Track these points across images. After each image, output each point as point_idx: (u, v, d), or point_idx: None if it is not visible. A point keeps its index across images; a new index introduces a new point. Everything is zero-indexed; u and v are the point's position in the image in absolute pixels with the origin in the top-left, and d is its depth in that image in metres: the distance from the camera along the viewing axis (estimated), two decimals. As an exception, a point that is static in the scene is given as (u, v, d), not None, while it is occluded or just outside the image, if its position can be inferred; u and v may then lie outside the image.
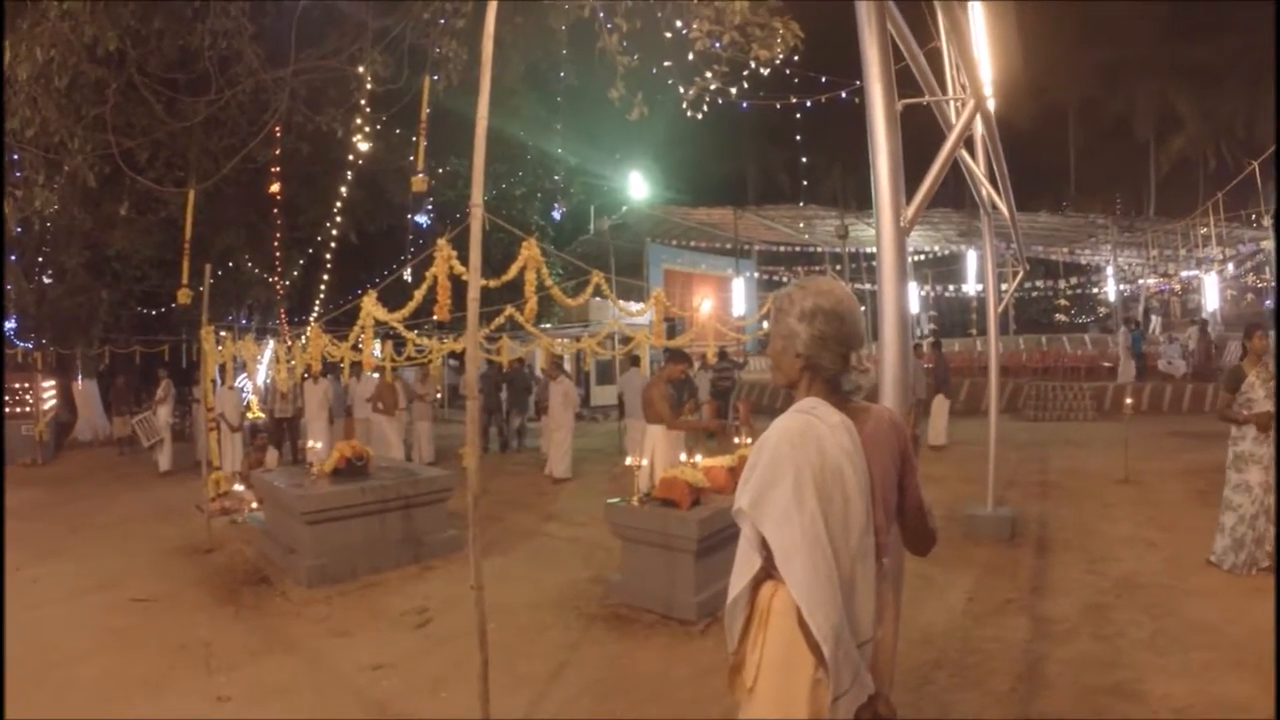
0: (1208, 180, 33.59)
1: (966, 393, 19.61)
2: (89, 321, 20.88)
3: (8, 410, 16.94)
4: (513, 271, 6.87)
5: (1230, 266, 28.22)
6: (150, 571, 7.61)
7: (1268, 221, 21.95)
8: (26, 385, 17.52)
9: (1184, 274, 31.06)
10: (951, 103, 5.19)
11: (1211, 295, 28.68)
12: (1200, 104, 34.16)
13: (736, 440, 7.74)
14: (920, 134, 3.16)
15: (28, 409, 17.27)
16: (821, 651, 1.93)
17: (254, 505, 9.69)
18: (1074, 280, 33.64)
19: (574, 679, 4.85)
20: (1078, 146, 39.78)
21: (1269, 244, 23.99)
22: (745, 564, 2.12)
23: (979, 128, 6.42)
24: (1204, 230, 25.03)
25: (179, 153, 15.30)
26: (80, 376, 21.06)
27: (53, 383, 18.49)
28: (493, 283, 5.67)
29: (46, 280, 20.81)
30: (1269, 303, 25.65)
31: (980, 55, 3.55)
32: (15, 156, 10.07)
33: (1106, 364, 22.74)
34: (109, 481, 13.61)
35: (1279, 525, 6.19)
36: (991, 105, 5.32)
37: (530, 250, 6.71)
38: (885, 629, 2.16)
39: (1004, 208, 7.42)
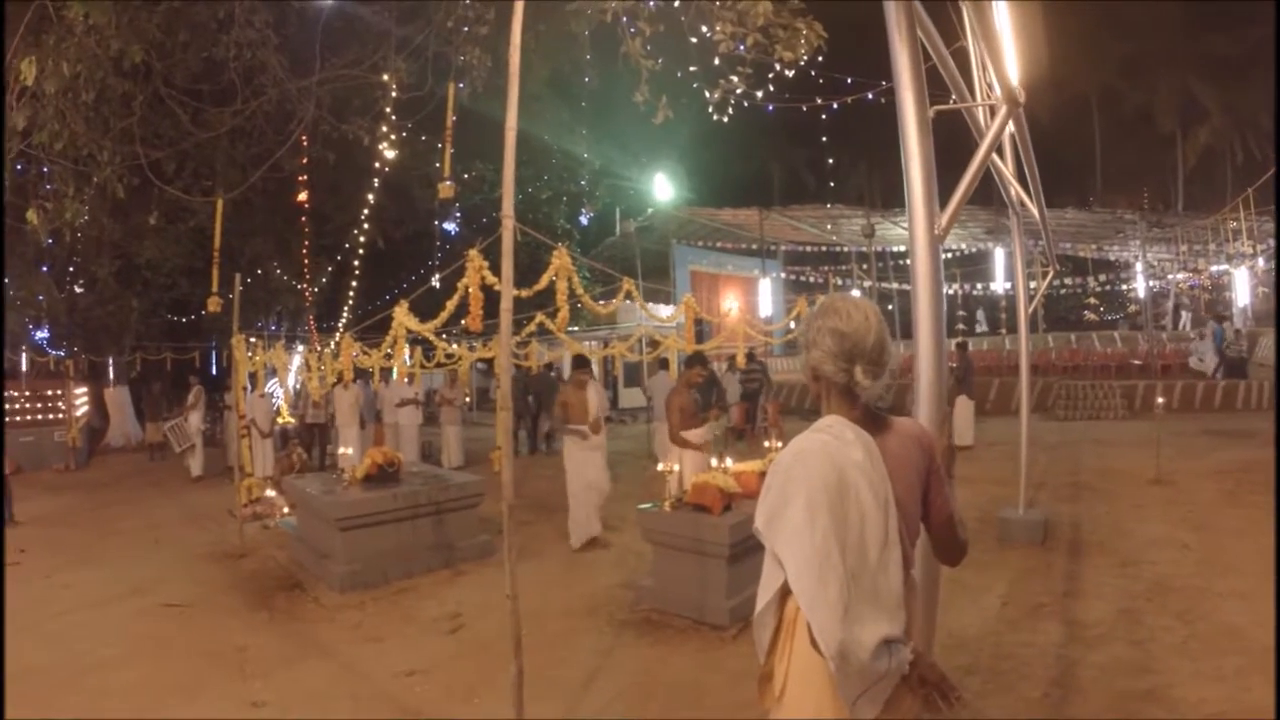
0: (1236, 173, 33.18)
1: (996, 391, 19.48)
2: (120, 329, 21.19)
3: (40, 417, 17.21)
4: (544, 281, 6.90)
5: (1261, 261, 27.78)
6: (183, 577, 7.71)
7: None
8: (59, 392, 17.79)
9: (1214, 269, 30.65)
10: (981, 106, 5.15)
11: (1242, 291, 28.27)
12: (1224, 96, 33.73)
13: (766, 443, 7.73)
14: (943, 130, 3.15)
15: (61, 415, 17.53)
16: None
17: (285, 510, 9.78)
18: (1102, 277, 33.26)
19: (607, 685, 4.86)
20: (1103, 141, 39.37)
21: None
22: (772, 575, 2.15)
23: (1009, 129, 6.37)
24: (1234, 225, 24.70)
25: (206, 163, 15.49)
26: (112, 383, 21.35)
27: (85, 389, 18.78)
28: (524, 293, 5.70)
29: (78, 290, 21.13)
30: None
31: (1008, 56, 3.52)
32: (45, 169, 10.20)
33: (1136, 361, 22.52)
34: (141, 487, 13.78)
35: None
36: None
37: (561, 259, 6.73)
38: (914, 641, 2.16)
39: (1034, 208, 7.36)
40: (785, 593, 2.15)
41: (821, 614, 1.94)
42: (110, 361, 21.27)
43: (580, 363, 8.58)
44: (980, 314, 32.93)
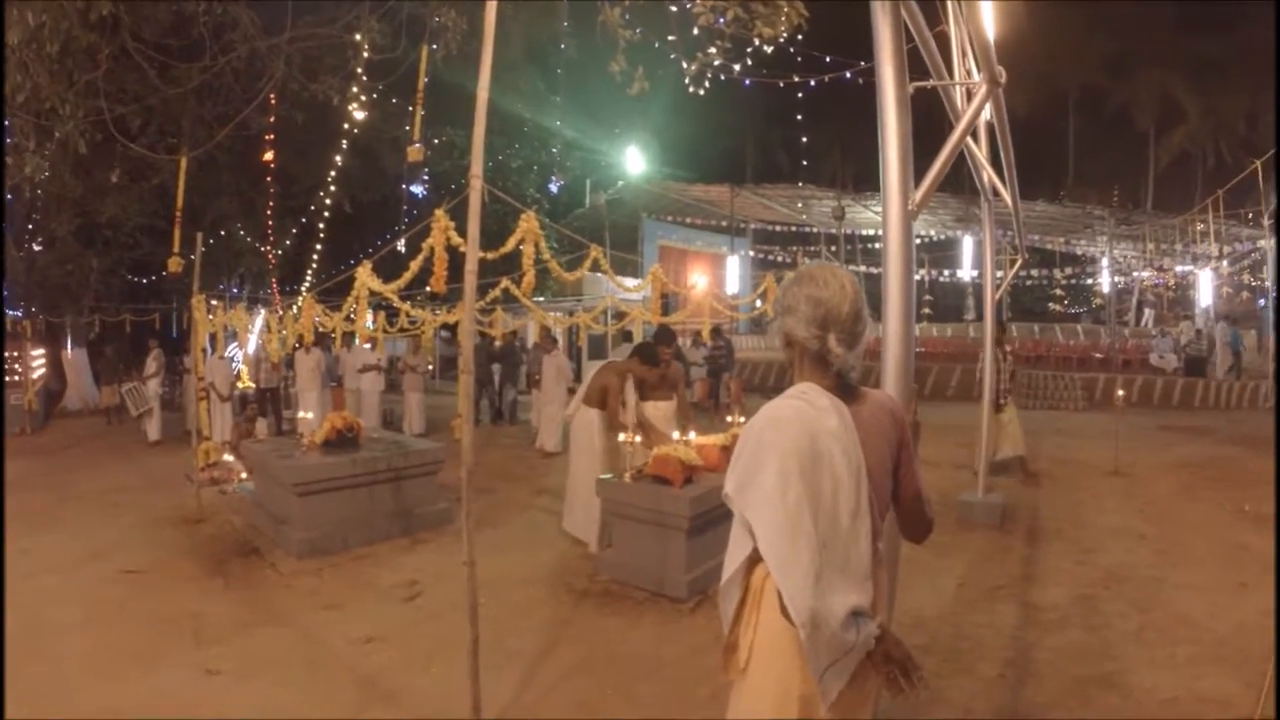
0: (1206, 177, 33.65)
1: (959, 379, 19.67)
2: (79, 290, 20.70)
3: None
4: (510, 244, 6.79)
5: (1225, 264, 28.26)
6: (140, 542, 7.57)
7: (1266, 221, 22.01)
8: (15, 354, 17.39)
9: (1179, 269, 31.10)
10: (958, 87, 5.15)
11: (1205, 291, 28.74)
12: (1204, 99, 34.12)
13: (729, 418, 7.70)
14: (919, 119, 3.13)
15: (17, 378, 17.16)
16: None
17: (243, 475, 9.65)
18: (1069, 270, 33.66)
19: (565, 656, 4.84)
20: (1078, 138, 39.79)
21: (1265, 243, 24.04)
22: (739, 545, 2.13)
23: (986, 112, 6.36)
24: (1201, 226, 25.05)
25: (172, 120, 15.20)
26: (70, 345, 20.90)
27: (42, 351, 18.38)
28: (490, 255, 5.61)
29: (36, 248, 20.63)
30: (1262, 301, 25.73)
31: (990, 34, 3.50)
32: (5, 123, 9.94)
33: (1098, 354, 22.82)
34: (98, 451, 13.54)
35: (1278, 522, 6.20)
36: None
37: (529, 223, 6.63)
38: (880, 616, 2.15)
39: (1006, 195, 7.38)
40: (752, 562, 2.14)
41: (793, 580, 1.92)
42: (68, 323, 20.80)
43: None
44: (970, 300, 33.02)
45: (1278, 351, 18.44)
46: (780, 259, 35.16)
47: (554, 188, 33.06)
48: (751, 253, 35.88)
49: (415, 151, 10.09)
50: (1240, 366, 20.31)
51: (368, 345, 14.49)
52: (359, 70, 11.20)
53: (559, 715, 4.17)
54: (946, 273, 34.32)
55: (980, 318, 30.85)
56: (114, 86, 10.94)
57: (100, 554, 7.16)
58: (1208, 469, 10.36)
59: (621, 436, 6.30)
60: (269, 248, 24.11)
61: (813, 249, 35.67)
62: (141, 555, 7.11)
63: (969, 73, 5.26)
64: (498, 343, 15.95)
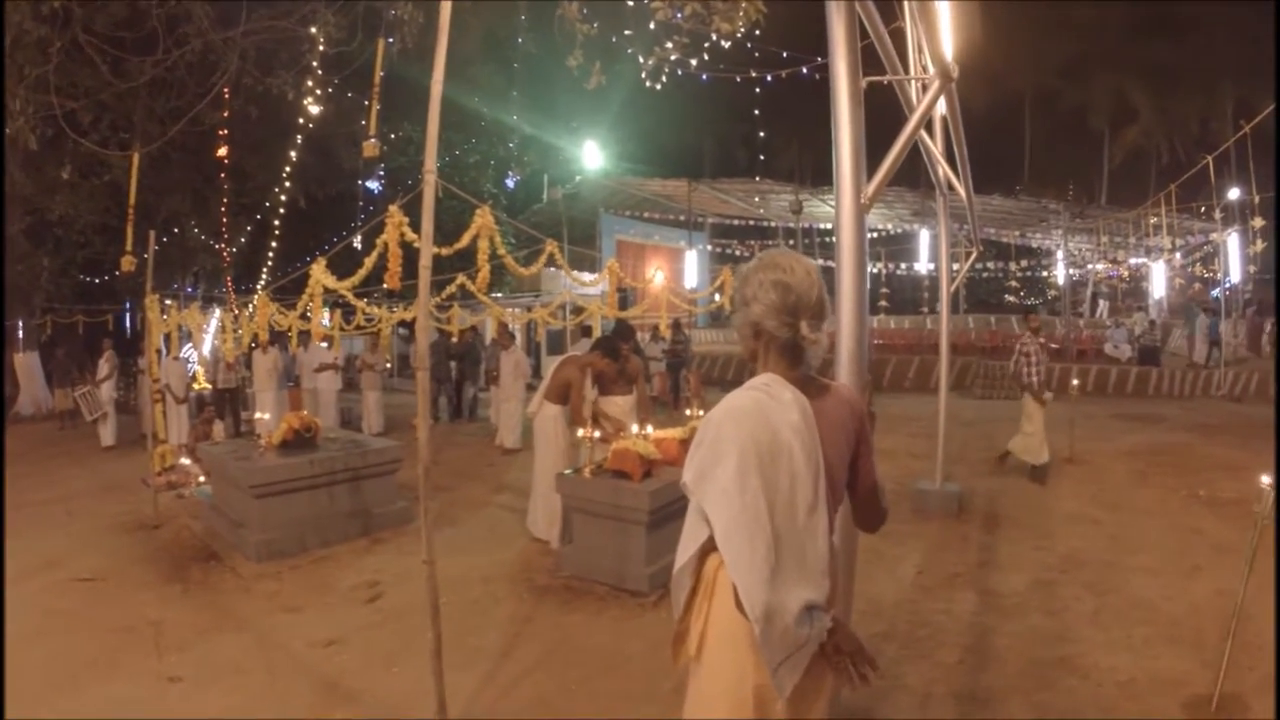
0: (1159, 173, 34.29)
1: (916, 370, 19.89)
2: (30, 290, 20.25)
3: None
4: (465, 239, 6.73)
5: (1178, 256, 28.76)
6: (95, 549, 7.41)
7: (1218, 214, 22.47)
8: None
9: (1132, 261, 31.59)
10: (913, 83, 5.19)
11: (1158, 283, 29.24)
12: (1157, 99, 34.76)
13: (688, 412, 7.71)
14: (874, 112, 3.16)
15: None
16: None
17: (200, 479, 9.49)
18: (1024, 263, 34.08)
19: (527, 652, 4.83)
20: (1034, 135, 40.32)
21: (1218, 235, 24.52)
22: (693, 534, 2.13)
23: (940, 108, 6.43)
24: (1154, 220, 25.46)
25: (124, 115, 14.93)
26: (22, 348, 20.45)
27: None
28: (444, 250, 5.57)
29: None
30: (1215, 292, 26.23)
31: (944, 30, 3.53)
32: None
33: (1053, 345, 23.12)
34: (52, 457, 13.24)
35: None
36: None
37: (484, 218, 6.58)
38: (834, 610, 2.16)
39: (961, 189, 7.46)
40: (704, 552, 2.14)
41: (748, 576, 1.92)
42: (19, 325, 20.34)
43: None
44: (927, 293, 33.35)
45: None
46: (738, 253, 35.22)
47: (511, 183, 32.88)
48: (709, 247, 35.89)
49: (371, 147, 9.98)
50: (1220, 355, 20.57)
51: (324, 344, 14.32)
52: (315, 64, 11.07)
53: (522, 712, 4.16)
54: (904, 265, 34.59)
55: (915, 309, 31.13)
56: (65, 81, 10.73)
57: (55, 562, 7.00)
58: (1161, 455, 10.57)
59: (580, 431, 6.30)
60: (223, 245, 23.75)
61: (771, 243, 35.67)
62: (97, 562, 6.97)
63: (925, 69, 5.31)
64: (454, 339, 15.84)
